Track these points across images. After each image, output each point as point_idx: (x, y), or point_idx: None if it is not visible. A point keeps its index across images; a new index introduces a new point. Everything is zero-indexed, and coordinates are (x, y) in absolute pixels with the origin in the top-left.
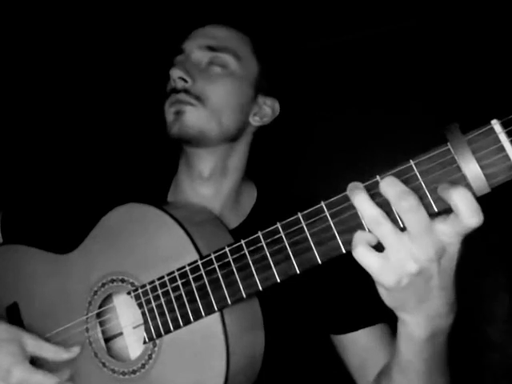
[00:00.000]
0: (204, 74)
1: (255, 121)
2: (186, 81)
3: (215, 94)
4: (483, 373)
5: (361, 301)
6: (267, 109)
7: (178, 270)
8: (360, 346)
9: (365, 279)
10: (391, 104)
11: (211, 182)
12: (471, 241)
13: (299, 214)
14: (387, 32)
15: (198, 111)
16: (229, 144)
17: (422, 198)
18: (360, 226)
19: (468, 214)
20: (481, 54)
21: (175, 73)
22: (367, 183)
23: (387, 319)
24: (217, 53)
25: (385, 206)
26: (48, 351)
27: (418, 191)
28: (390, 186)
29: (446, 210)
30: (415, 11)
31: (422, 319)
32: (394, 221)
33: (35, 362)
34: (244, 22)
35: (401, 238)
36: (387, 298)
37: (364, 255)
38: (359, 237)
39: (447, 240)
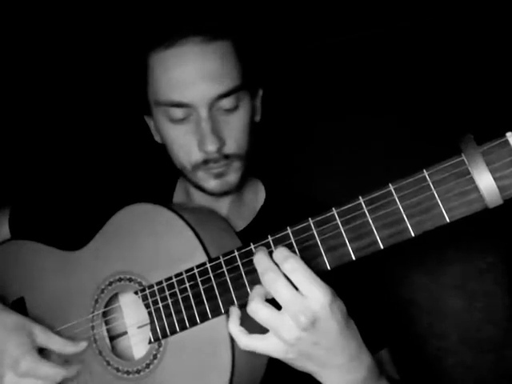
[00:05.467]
0: (229, 127)
1: None
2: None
3: (245, 140)
4: (483, 372)
5: (363, 328)
6: None
7: (187, 271)
8: None
9: (368, 305)
10: (391, 104)
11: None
12: (471, 241)
13: (310, 220)
14: (388, 32)
15: (238, 167)
16: None
17: (433, 208)
18: (370, 234)
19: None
20: (498, 65)
21: (212, 147)
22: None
23: (388, 344)
24: (230, 97)
25: None
26: (56, 343)
27: (430, 201)
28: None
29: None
30: (416, 11)
31: (333, 375)
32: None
33: (42, 353)
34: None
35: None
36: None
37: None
38: (255, 291)
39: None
